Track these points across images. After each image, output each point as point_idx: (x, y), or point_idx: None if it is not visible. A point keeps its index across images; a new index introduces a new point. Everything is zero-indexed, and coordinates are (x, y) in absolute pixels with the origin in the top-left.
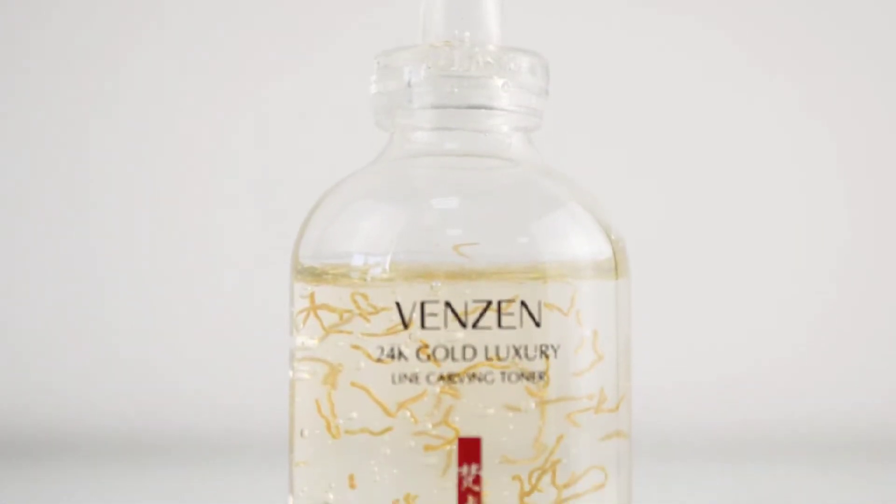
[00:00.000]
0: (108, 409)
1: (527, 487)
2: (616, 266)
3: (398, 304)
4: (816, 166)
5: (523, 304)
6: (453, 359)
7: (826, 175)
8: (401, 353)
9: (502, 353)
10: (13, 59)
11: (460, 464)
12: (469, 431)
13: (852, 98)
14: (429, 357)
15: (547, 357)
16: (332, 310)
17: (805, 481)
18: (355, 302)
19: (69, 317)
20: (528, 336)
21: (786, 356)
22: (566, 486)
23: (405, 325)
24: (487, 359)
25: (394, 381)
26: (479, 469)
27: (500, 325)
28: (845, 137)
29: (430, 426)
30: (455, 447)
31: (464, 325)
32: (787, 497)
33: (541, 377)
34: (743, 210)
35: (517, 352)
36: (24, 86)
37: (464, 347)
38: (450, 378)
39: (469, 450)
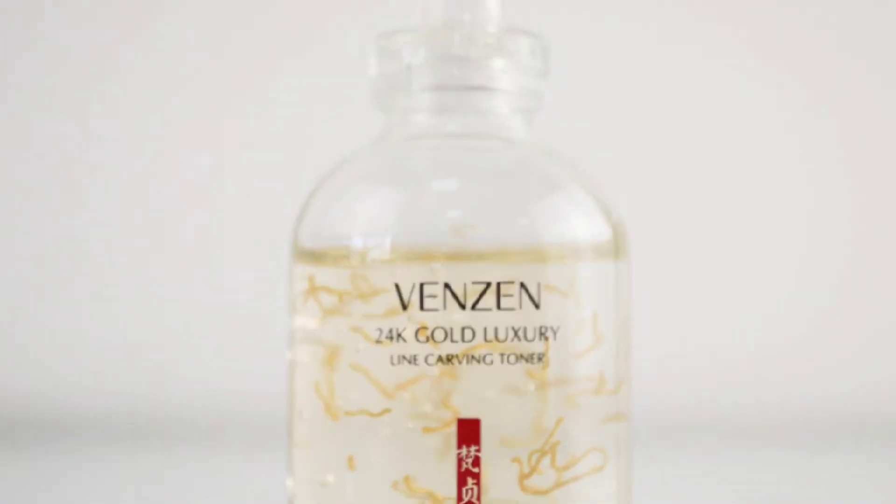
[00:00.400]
0: (105, 389)
1: (526, 469)
2: (616, 248)
3: (397, 286)
4: (820, 150)
5: (522, 285)
6: (452, 340)
7: (829, 160)
8: (399, 335)
9: (501, 335)
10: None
11: (459, 445)
12: (468, 413)
13: (857, 79)
14: (428, 339)
15: (546, 339)
16: (331, 292)
17: (804, 465)
18: (354, 284)
19: (65, 298)
20: (528, 318)
21: (786, 340)
22: (566, 468)
23: (404, 307)
24: (487, 340)
25: (392, 363)
26: (478, 451)
27: (499, 306)
28: (849, 119)
29: (429, 408)
30: (454, 429)
31: (463, 306)
32: (787, 481)
33: (540, 359)
34: (745, 192)
35: (516, 333)
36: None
37: (463, 329)
38: (449, 360)
39: (468, 431)
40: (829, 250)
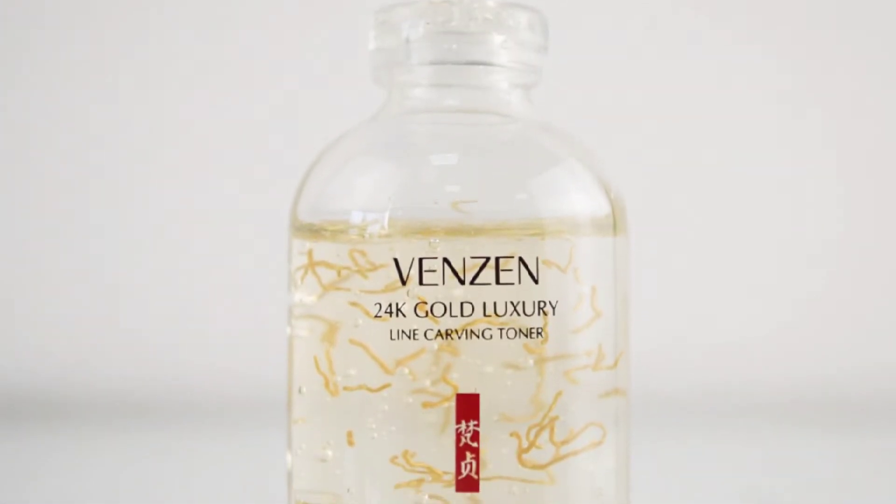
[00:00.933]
0: (104, 367)
1: (525, 444)
2: (615, 223)
3: (396, 261)
4: (818, 129)
5: (521, 260)
6: (451, 315)
7: (826, 136)
8: (399, 310)
9: (500, 310)
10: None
11: (458, 420)
12: (467, 389)
13: (849, 58)
14: (427, 313)
15: (545, 314)
16: (330, 266)
17: (799, 442)
18: (353, 259)
19: (67, 278)
20: (526, 292)
21: (784, 315)
22: (564, 442)
23: (403, 282)
24: (486, 315)
25: (392, 338)
26: (476, 425)
27: (498, 281)
28: (844, 97)
29: (428, 383)
30: (453, 404)
31: (462, 281)
32: (785, 457)
33: (539, 333)
34: (742, 171)
35: (515, 308)
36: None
37: (462, 304)
38: (448, 334)
39: (467, 406)
40: (826, 226)
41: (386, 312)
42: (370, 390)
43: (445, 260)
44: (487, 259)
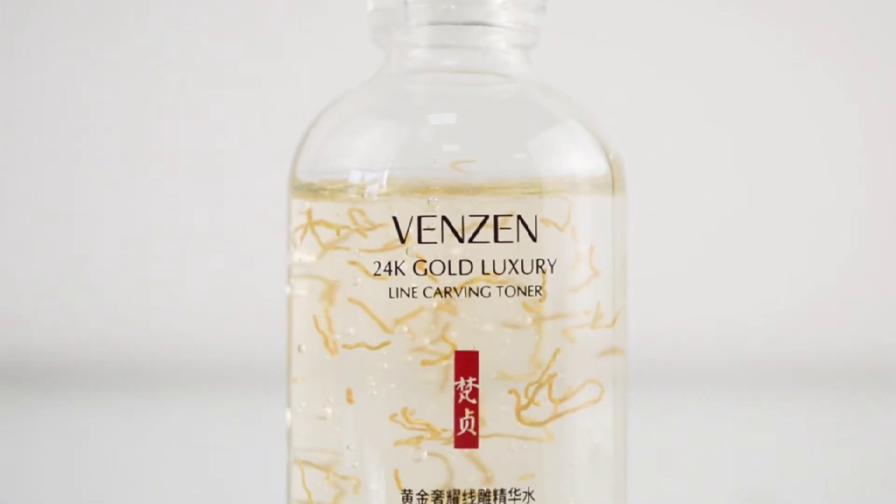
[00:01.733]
0: (104, 329)
1: (523, 401)
2: (613, 182)
3: (395, 219)
4: (834, 86)
5: (520, 218)
6: (450, 273)
7: (847, 94)
8: (398, 268)
9: (499, 268)
10: None
11: (457, 377)
12: (466, 347)
13: (868, 25)
14: (426, 272)
15: (543, 272)
16: (329, 226)
17: (793, 404)
18: (352, 218)
19: (63, 238)
20: (525, 251)
21: (782, 280)
22: (562, 399)
23: (402, 240)
24: (484, 273)
25: (391, 296)
26: (475, 382)
27: (496, 239)
28: (863, 59)
29: (427, 341)
30: (452, 362)
31: (461, 239)
32: (781, 421)
33: (537, 291)
34: (744, 132)
35: (514, 266)
36: None
37: (461, 262)
38: (447, 292)
39: (466, 363)
40: (822, 188)
41: (385, 271)
42: (369, 348)
43: (444, 218)
44: (486, 217)
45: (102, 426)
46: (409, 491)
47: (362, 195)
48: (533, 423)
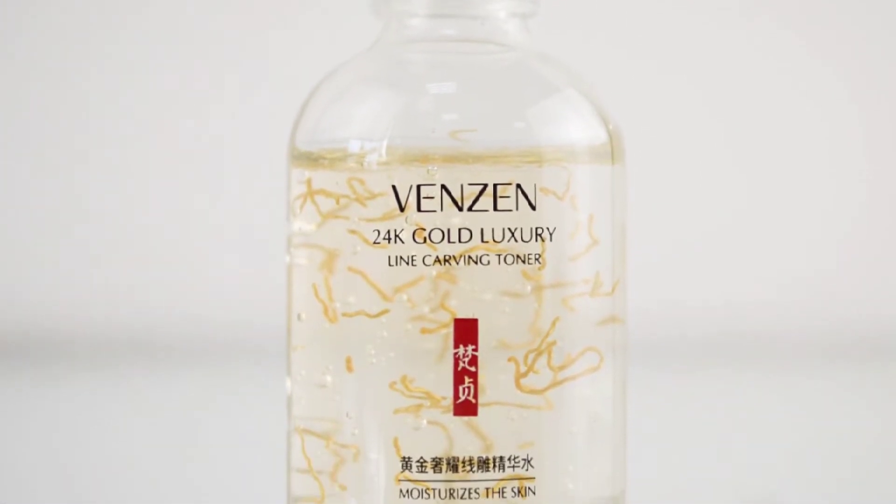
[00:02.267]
0: (103, 299)
1: (523, 369)
2: (612, 151)
3: (394, 188)
4: (833, 59)
5: (519, 187)
6: (450, 241)
7: (846, 67)
8: (397, 237)
9: (498, 236)
10: None
11: (456, 345)
12: (465, 315)
13: None
14: (425, 240)
15: (542, 240)
16: (329, 195)
17: (795, 377)
18: (352, 187)
19: (65, 209)
20: (524, 219)
21: (785, 253)
22: (561, 367)
23: (401, 209)
24: (483, 242)
25: (390, 265)
26: (475, 350)
27: (496, 208)
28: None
29: (426, 310)
30: (451, 330)
31: (460, 208)
32: (782, 395)
33: (537, 259)
34: (747, 104)
35: (513, 234)
36: None
37: (460, 230)
38: (446, 261)
39: (465, 330)
40: (843, 159)
41: (384, 239)
42: (369, 316)
43: (443, 187)
44: (485, 186)
45: (102, 396)
46: (409, 458)
47: (361, 164)
48: (532, 391)
